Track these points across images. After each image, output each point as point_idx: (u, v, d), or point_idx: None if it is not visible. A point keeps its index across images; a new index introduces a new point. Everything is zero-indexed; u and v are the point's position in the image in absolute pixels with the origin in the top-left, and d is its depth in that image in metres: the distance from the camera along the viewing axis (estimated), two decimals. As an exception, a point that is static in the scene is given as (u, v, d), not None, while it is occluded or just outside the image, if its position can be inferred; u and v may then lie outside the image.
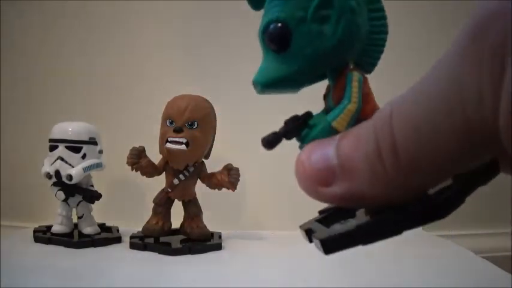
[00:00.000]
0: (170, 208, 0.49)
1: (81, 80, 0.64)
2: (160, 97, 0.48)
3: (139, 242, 0.47)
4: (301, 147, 0.16)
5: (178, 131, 0.44)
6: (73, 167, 0.48)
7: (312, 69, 0.17)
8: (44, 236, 0.49)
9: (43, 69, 0.64)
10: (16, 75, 0.65)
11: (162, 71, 0.63)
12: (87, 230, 0.49)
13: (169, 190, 0.48)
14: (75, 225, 0.51)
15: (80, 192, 0.49)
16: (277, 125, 0.24)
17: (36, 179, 0.51)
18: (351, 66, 0.17)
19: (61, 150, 0.48)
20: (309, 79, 0.17)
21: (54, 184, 0.49)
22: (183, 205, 0.49)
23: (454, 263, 0.45)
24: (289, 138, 0.17)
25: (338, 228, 0.15)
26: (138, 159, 0.47)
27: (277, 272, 0.39)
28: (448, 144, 0.12)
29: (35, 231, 0.50)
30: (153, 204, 0.48)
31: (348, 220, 0.16)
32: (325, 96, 0.17)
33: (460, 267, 0.43)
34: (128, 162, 0.47)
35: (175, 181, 0.47)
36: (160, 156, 0.48)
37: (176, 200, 0.49)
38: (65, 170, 0.47)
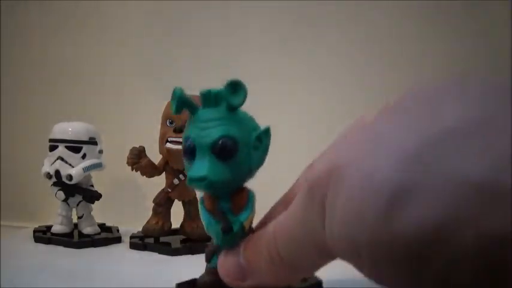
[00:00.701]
0: (170, 208, 0.49)
1: (81, 79, 0.64)
2: (160, 97, 0.48)
3: (139, 242, 0.47)
4: (222, 242, 0.23)
5: (178, 131, 0.44)
6: (73, 167, 0.48)
7: (242, 180, 0.24)
8: (44, 236, 0.49)
9: (43, 69, 0.64)
10: (16, 75, 0.65)
11: (162, 70, 0.63)
12: (87, 230, 0.49)
13: (169, 190, 0.48)
14: (75, 225, 0.51)
15: (80, 192, 0.49)
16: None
17: (36, 179, 0.51)
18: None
19: (61, 150, 0.48)
20: (235, 186, 0.24)
21: (54, 184, 0.49)
22: (183, 205, 0.49)
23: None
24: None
25: None
26: (138, 159, 0.47)
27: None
28: (309, 253, 0.18)
29: (35, 231, 0.50)
30: (153, 204, 0.48)
31: None
32: (212, 202, 0.24)
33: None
34: (128, 162, 0.47)
35: (175, 181, 0.47)
36: (160, 156, 0.48)
37: (176, 200, 0.49)
38: (65, 170, 0.47)
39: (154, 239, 0.47)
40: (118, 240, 0.49)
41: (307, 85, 0.62)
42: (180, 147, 0.44)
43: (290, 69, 0.61)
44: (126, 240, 0.49)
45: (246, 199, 0.24)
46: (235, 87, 0.22)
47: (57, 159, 0.48)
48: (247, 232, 0.24)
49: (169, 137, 0.45)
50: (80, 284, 0.34)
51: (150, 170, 0.47)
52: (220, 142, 0.22)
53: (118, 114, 0.62)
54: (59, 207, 0.50)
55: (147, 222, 0.48)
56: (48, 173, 0.48)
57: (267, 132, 0.24)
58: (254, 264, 0.20)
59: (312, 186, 0.16)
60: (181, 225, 0.49)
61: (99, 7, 0.64)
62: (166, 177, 0.48)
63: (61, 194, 0.49)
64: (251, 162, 0.23)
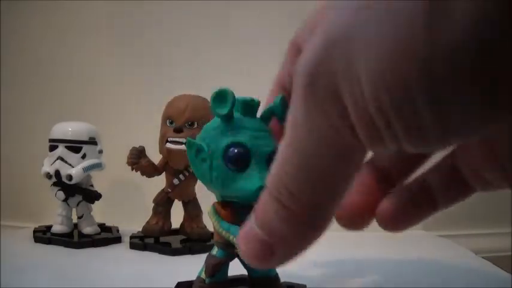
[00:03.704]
0: (170, 208, 0.49)
1: (81, 80, 0.64)
2: (160, 97, 0.48)
3: (140, 242, 0.47)
4: None
5: (178, 131, 0.44)
6: (73, 167, 0.48)
7: None
8: (44, 236, 0.49)
9: (43, 69, 0.64)
10: (16, 75, 0.65)
11: (162, 71, 0.63)
12: (87, 230, 0.49)
13: (169, 190, 0.48)
14: (75, 225, 0.51)
15: (80, 192, 0.49)
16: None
17: (36, 179, 0.51)
18: None
19: (61, 150, 0.48)
20: None
21: (54, 184, 0.49)
22: (183, 205, 0.49)
23: (454, 263, 0.45)
24: None
25: None
26: (138, 159, 0.47)
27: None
28: (323, 167, 0.14)
29: (35, 231, 0.50)
30: (153, 204, 0.48)
31: None
32: (236, 214, 0.24)
33: (460, 267, 0.43)
34: (128, 162, 0.47)
35: (175, 181, 0.47)
36: (160, 156, 0.48)
37: (176, 200, 0.49)
38: (65, 170, 0.47)
39: (154, 239, 0.47)
40: (118, 240, 0.49)
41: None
42: (179, 147, 0.44)
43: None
44: (126, 240, 0.49)
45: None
46: (285, 104, 0.22)
47: (57, 159, 0.48)
48: None
49: (169, 137, 0.45)
50: (80, 284, 0.34)
51: (150, 170, 0.47)
52: (274, 152, 0.22)
53: (118, 114, 0.62)
54: (59, 207, 0.50)
55: (147, 222, 0.48)
56: (48, 173, 0.48)
57: None
58: (268, 224, 0.15)
59: (309, 81, 0.13)
60: (181, 225, 0.49)
61: (99, 7, 0.63)
62: (166, 177, 0.48)
63: (61, 194, 0.49)
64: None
